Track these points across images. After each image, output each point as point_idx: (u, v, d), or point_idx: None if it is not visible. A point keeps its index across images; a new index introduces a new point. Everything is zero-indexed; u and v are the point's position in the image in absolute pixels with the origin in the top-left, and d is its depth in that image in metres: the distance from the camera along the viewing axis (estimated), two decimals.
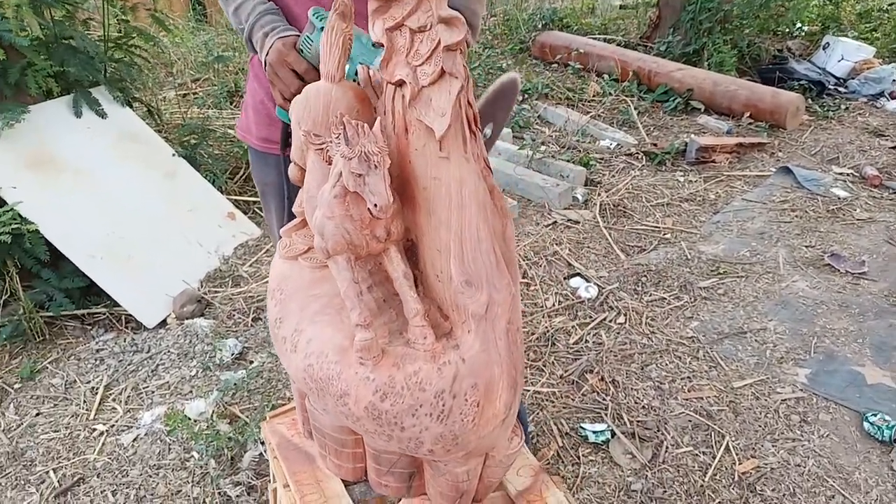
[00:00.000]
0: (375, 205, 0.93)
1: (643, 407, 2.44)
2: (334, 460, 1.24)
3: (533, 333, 2.83)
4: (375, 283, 1.13)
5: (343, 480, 1.37)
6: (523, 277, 3.20)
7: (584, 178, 4.24)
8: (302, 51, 1.31)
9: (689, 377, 2.57)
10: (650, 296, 3.06)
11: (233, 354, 2.83)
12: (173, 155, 3.68)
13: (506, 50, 6.65)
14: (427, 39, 0.93)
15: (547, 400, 2.50)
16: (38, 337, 2.98)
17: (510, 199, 3.89)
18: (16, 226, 2.73)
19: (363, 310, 1.00)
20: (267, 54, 1.37)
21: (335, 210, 0.99)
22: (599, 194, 4.07)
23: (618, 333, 2.82)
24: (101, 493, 2.25)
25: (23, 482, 2.32)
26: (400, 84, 0.97)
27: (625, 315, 2.92)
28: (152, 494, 2.24)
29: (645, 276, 3.20)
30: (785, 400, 2.44)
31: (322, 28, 1.23)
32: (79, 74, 3.33)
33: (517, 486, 1.39)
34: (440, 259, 1.01)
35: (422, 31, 0.94)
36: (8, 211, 2.79)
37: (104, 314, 3.10)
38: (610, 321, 2.90)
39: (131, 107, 3.78)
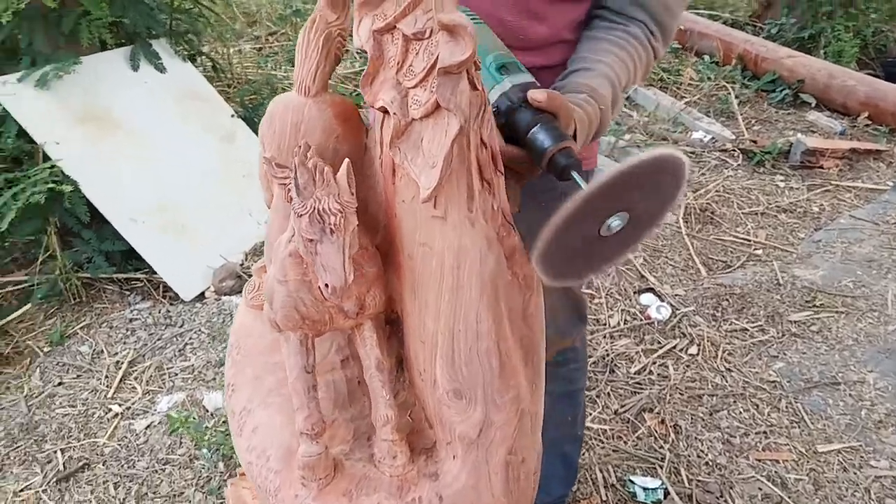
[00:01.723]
0: (327, 285, 0.65)
1: (706, 463, 2.10)
2: None
3: (591, 356, 2.51)
4: (353, 356, 0.87)
5: None
6: (586, 287, 2.87)
7: None
8: None
9: (765, 432, 2.21)
10: (730, 324, 2.68)
11: None
12: (232, 116, 3.50)
13: None
14: (424, 52, 0.64)
15: (595, 439, 2.20)
16: (75, 299, 2.87)
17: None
18: (51, 185, 2.59)
19: (312, 413, 0.73)
20: None
21: (289, 272, 0.72)
22: (686, 195, 3.66)
23: (687, 367, 2.47)
24: (104, 483, 2.12)
25: (30, 459, 2.22)
26: (384, 111, 0.69)
27: (698, 345, 2.56)
28: (154, 493, 2.09)
29: (727, 299, 2.81)
30: (879, 477, 2.05)
31: (500, 67, 0.84)
32: (137, 25, 3.15)
33: None
34: (423, 353, 0.73)
35: (419, 39, 0.64)
36: (46, 168, 2.66)
37: (142, 281, 2.97)
38: (680, 350, 2.55)
39: (194, 62, 3.61)
